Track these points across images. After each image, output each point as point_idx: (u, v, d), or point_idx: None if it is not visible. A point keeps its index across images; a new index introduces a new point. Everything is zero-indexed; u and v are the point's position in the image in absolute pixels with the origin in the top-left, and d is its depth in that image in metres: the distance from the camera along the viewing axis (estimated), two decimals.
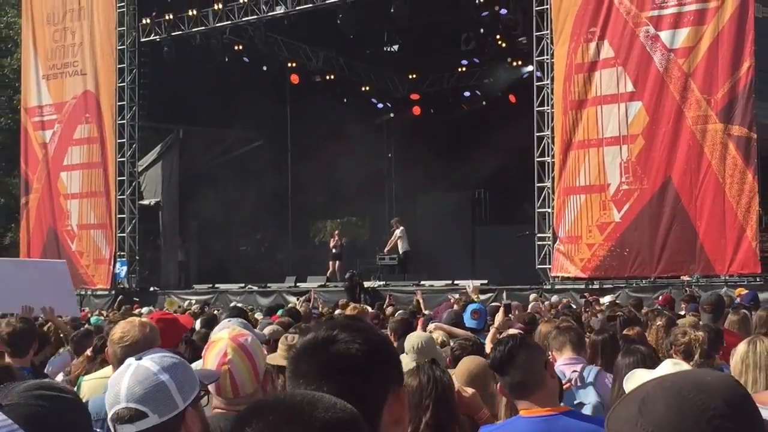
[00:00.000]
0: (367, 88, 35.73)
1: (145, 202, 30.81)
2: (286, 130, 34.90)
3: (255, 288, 27.02)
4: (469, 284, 19.71)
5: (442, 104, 35.24)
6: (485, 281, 23.07)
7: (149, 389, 2.62)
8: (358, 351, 2.16)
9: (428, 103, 35.51)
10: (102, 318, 16.88)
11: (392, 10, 25.76)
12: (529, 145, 23.60)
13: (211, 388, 3.75)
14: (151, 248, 30.49)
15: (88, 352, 7.17)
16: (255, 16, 27.84)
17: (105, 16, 29.97)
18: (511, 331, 7.08)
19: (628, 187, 21.73)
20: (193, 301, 24.91)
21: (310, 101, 33.35)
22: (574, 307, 16.71)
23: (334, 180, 30.96)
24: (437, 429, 4.17)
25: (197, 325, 10.35)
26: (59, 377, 7.50)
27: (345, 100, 34.99)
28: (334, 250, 28.96)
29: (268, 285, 27.19)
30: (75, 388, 5.72)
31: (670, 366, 4.59)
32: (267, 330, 7.95)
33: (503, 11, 27.43)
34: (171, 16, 28.84)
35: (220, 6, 27.90)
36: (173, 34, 28.92)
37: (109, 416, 2.58)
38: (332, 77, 34.19)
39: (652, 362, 5.40)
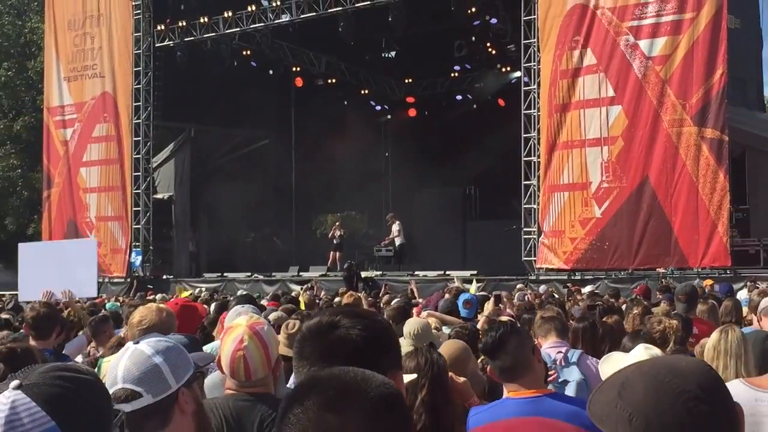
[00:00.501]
0: (366, 92, 35.72)
1: (159, 196, 30.79)
2: (290, 129, 34.90)
3: (260, 277, 27.00)
4: (455, 278, 19.74)
5: (436, 107, 35.23)
6: (475, 272, 23.08)
7: (144, 371, 2.62)
8: (357, 336, 2.18)
9: (423, 106, 35.49)
10: (118, 304, 16.92)
11: (390, 20, 25.75)
12: (517, 146, 23.60)
13: (225, 370, 3.78)
14: (164, 239, 30.46)
15: (110, 344, 7.14)
16: (262, 24, 27.84)
17: (122, 22, 29.93)
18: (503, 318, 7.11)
19: (608, 185, 21.74)
20: (203, 289, 24.88)
21: (313, 103, 33.37)
22: (557, 296, 16.71)
23: (335, 176, 30.97)
24: (432, 407, 4.18)
25: (211, 309, 10.35)
26: (78, 359, 7.51)
27: (345, 103, 34.99)
28: (334, 242, 28.94)
29: (273, 274, 27.19)
30: (96, 369, 5.73)
31: (642, 350, 4.61)
32: (272, 316, 7.97)
33: (493, 21, 27.46)
34: (184, 23, 28.83)
35: (230, 14, 27.89)
36: (186, 39, 28.89)
37: None
38: (334, 81, 34.17)
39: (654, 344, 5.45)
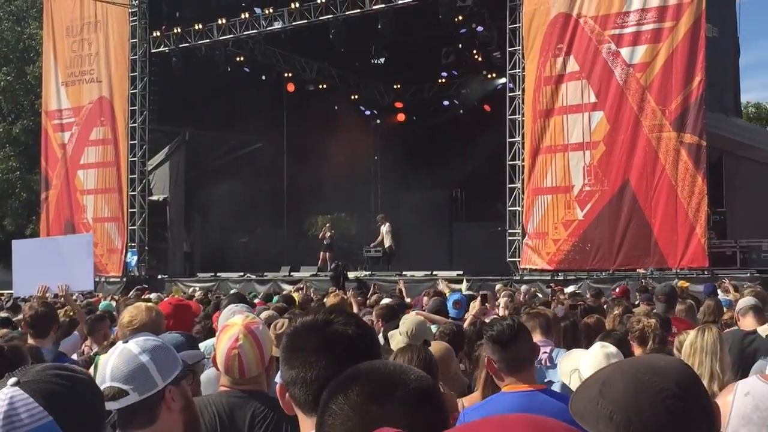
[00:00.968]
0: (356, 97, 35.72)
1: (154, 198, 30.72)
2: (282, 133, 34.87)
3: (253, 276, 26.94)
4: (440, 279, 19.72)
5: (423, 112, 35.22)
6: (461, 272, 23.07)
7: (131, 369, 2.62)
8: (353, 332, 2.23)
9: (411, 111, 35.49)
10: (113, 303, 16.84)
11: (379, 27, 25.75)
12: (502, 150, 23.63)
13: (220, 367, 3.78)
14: (159, 240, 30.39)
15: (105, 343, 7.12)
16: (255, 31, 27.82)
17: (119, 29, 29.88)
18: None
19: (590, 189, 21.78)
20: (197, 288, 24.85)
21: (305, 108, 33.39)
22: (540, 295, 16.74)
23: (326, 179, 30.94)
24: None
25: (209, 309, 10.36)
26: (73, 357, 7.48)
27: (336, 107, 34.96)
28: (324, 242, 28.92)
29: (265, 274, 27.14)
30: (92, 365, 5.71)
31: (598, 348, 4.67)
32: (263, 315, 7.97)
33: (479, 29, 27.47)
34: (179, 30, 28.77)
35: (224, 21, 27.86)
36: (181, 45, 28.83)
37: None
38: (325, 86, 34.14)
39: (626, 345, 5.49)
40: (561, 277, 21.74)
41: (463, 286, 16.92)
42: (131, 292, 19.32)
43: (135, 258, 29.11)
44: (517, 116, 23.28)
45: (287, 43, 29.36)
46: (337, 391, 1.68)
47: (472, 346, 6.73)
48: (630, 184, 21.12)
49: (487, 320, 8.16)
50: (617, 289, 16.84)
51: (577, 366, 4.62)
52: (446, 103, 35.00)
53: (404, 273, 24.56)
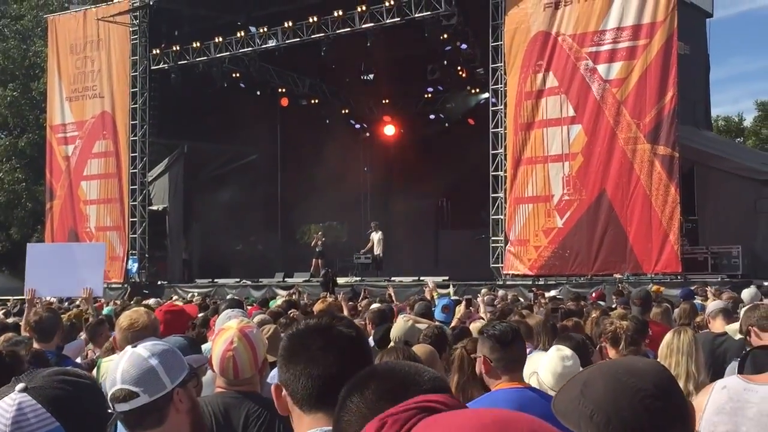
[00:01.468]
0: (347, 111, 35.73)
1: (154, 207, 30.65)
2: (276, 145, 34.92)
3: (249, 282, 26.87)
4: (429, 281, 19.68)
5: (411, 125, 35.19)
6: (446, 277, 23.05)
7: (141, 372, 2.62)
8: (352, 334, 2.24)
9: (399, 124, 35.46)
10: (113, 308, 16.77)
11: (368, 45, 25.81)
12: (485, 161, 23.67)
13: (216, 369, 3.78)
14: (158, 247, 30.29)
15: (106, 345, 7.07)
16: (250, 48, 27.82)
17: (120, 46, 29.87)
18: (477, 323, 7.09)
19: (569, 198, 21.84)
20: (195, 294, 24.79)
21: (298, 121, 33.45)
22: (522, 300, 16.75)
23: (318, 189, 30.92)
24: None
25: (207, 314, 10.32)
26: (77, 360, 7.42)
27: (327, 121, 34.98)
28: (317, 249, 28.88)
29: (260, 280, 27.07)
30: (95, 369, 5.69)
31: (554, 350, 4.70)
32: (256, 319, 7.94)
33: (464, 46, 27.52)
34: (178, 48, 28.74)
35: (221, 39, 27.85)
36: (179, 62, 28.80)
37: (108, 396, 2.59)
38: (316, 101, 34.17)
39: (584, 347, 5.48)
40: (542, 282, 21.76)
41: (450, 290, 16.92)
42: (132, 300, 19.29)
43: (136, 265, 29.03)
44: (499, 129, 23.33)
45: (281, 60, 29.36)
46: (354, 389, 1.67)
47: (449, 349, 6.71)
48: (607, 193, 21.18)
49: (471, 323, 8.17)
50: (594, 293, 16.88)
51: (536, 369, 4.64)
52: (432, 116, 35.01)
53: (392, 279, 24.55)
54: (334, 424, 1.69)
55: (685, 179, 21.11)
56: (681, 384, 4.64)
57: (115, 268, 29.13)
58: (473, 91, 31.86)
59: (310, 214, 32.80)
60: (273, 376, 4.69)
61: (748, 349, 4.39)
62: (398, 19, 24.65)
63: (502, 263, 22.96)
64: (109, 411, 2.25)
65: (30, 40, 43.89)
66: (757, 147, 43.10)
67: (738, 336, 6.68)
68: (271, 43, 27.25)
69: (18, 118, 43.07)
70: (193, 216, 31.43)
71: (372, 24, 25.17)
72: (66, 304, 16.51)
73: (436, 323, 7.57)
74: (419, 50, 28.50)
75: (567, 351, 4.66)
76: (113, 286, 28.85)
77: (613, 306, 12.21)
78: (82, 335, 8.72)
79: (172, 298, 21.94)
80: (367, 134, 37.07)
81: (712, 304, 8.45)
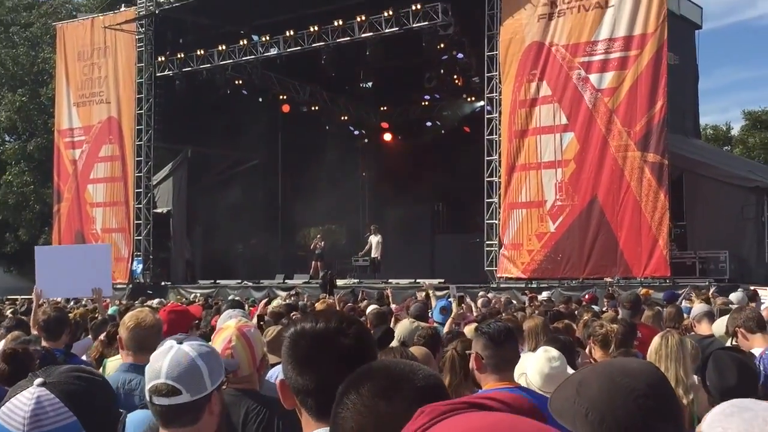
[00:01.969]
0: (346, 118, 35.73)
1: (158, 210, 30.64)
2: (277, 151, 34.86)
3: (250, 284, 26.84)
4: (426, 283, 19.68)
5: (408, 132, 35.22)
6: (442, 280, 23.05)
7: (186, 371, 2.58)
8: (363, 341, 2.19)
9: (397, 131, 35.49)
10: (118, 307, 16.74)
11: (367, 53, 25.87)
12: (480, 167, 23.68)
13: None
14: (162, 249, 30.29)
15: (102, 337, 7.06)
16: (253, 56, 27.84)
17: (126, 54, 29.90)
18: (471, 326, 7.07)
19: (561, 203, 21.85)
20: (198, 294, 24.79)
21: (298, 127, 33.40)
22: (515, 302, 16.74)
23: (317, 193, 30.91)
24: None
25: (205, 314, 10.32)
26: (83, 358, 7.41)
27: (327, 128, 35.03)
28: (316, 252, 28.86)
29: (261, 281, 27.04)
30: (100, 367, 5.69)
31: (541, 351, 4.70)
32: (271, 305, 7.94)
33: (460, 56, 27.59)
34: (182, 55, 28.81)
35: (224, 47, 27.87)
36: (184, 70, 28.82)
37: (148, 387, 2.57)
38: (317, 108, 34.14)
39: (571, 349, 5.49)
40: (535, 285, 21.75)
41: (451, 291, 16.92)
42: (137, 300, 19.28)
43: (140, 266, 29.02)
44: (494, 136, 23.34)
45: (282, 68, 29.36)
46: (350, 386, 1.67)
47: (442, 350, 6.70)
48: (598, 199, 21.20)
49: (465, 326, 8.16)
50: (586, 296, 16.88)
51: (524, 370, 4.63)
52: (429, 124, 35.05)
53: (390, 281, 24.53)
54: (331, 420, 1.69)
55: (674, 186, 21.14)
56: None
57: (120, 269, 29.07)
58: (469, 99, 31.88)
59: (310, 218, 32.78)
60: (272, 375, 4.69)
61: (708, 352, 4.36)
62: (397, 29, 24.68)
63: (496, 266, 22.96)
64: (120, 410, 2.24)
65: (39, 47, 43.81)
66: (745, 155, 43.11)
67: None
68: (273, 52, 27.30)
69: (27, 122, 42.99)
70: (197, 218, 31.40)
71: (371, 33, 25.21)
72: (72, 303, 16.50)
73: (433, 325, 7.58)
74: (417, 59, 28.50)
75: (554, 352, 4.66)
76: (118, 286, 28.80)
77: (604, 309, 12.22)
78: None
79: (169, 301, 21.93)
80: (366, 140, 37.09)
81: (697, 308, 8.45)
